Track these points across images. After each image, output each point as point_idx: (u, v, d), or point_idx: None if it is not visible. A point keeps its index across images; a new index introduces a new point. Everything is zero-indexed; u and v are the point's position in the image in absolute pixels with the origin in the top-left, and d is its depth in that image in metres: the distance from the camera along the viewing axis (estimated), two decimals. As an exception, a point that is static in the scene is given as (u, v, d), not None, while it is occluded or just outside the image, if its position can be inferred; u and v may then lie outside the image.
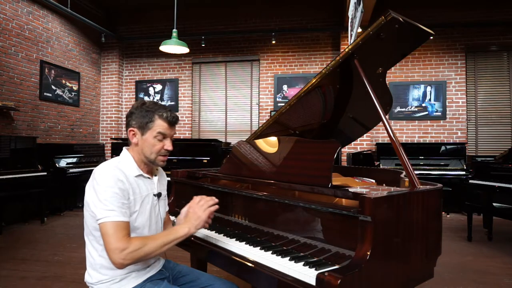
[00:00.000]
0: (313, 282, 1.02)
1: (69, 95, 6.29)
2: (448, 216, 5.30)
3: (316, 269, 1.08)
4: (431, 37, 1.70)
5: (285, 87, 6.65)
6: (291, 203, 1.34)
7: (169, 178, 1.80)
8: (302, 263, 1.14)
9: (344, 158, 6.13)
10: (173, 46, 4.74)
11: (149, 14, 7.17)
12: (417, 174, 1.44)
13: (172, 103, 7.13)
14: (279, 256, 1.22)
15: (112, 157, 5.09)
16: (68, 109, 6.30)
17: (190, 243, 1.53)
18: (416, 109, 6.21)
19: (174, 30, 4.69)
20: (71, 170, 5.28)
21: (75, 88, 6.44)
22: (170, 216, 1.71)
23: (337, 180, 1.81)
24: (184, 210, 1.53)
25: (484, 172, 3.93)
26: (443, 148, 5.54)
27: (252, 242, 1.37)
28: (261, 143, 1.82)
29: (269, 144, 1.77)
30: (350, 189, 1.24)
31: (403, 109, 6.25)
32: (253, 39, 6.81)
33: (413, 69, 6.25)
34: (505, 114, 6.03)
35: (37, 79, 5.59)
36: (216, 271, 2.60)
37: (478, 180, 3.93)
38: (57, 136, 6.00)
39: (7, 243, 3.73)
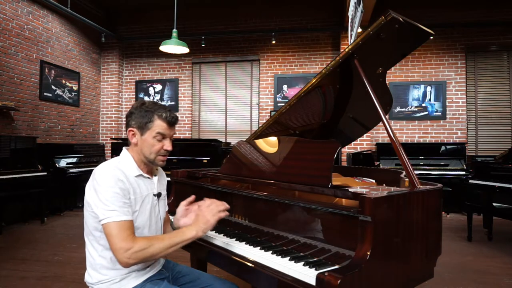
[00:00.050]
0: (313, 282, 1.02)
1: (69, 95, 6.30)
2: (448, 216, 5.30)
3: (316, 269, 1.08)
4: (431, 37, 1.70)
5: (285, 87, 6.65)
6: (291, 203, 1.34)
7: (169, 178, 1.80)
8: (302, 263, 1.14)
9: (344, 158, 6.13)
10: (173, 46, 4.75)
11: (149, 14, 7.17)
12: (417, 174, 1.44)
13: (172, 103, 7.13)
14: (279, 256, 1.22)
15: (112, 157, 5.09)
16: (68, 109, 6.30)
17: (190, 243, 1.53)
18: (416, 109, 6.21)
19: (174, 30, 4.70)
20: (71, 170, 5.28)
21: (75, 88, 6.44)
22: (170, 216, 1.71)
23: (337, 180, 1.81)
24: (180, 209, 1.53)
25: (484, 172, 3.93)
26: (443, 148, 5.54)
27: (252, 242, 1.37)
28: (261, 143, 1.82)
29: (269, 144, 1.77)
30: (350, 189, 1.24)
31: (403, 109, 6.25)
32: (253, 39, 6.81)
33: (413, 69, 6.26)
34: (505, 114, 6.03)
35: (37, 79, 5.59)
36: (216, 271, 2.60)
37: (478, 180, 3.93)
38: (57, 136, 6.00)
39: (7, 243, 3.73)
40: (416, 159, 5.44)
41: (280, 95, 6.67)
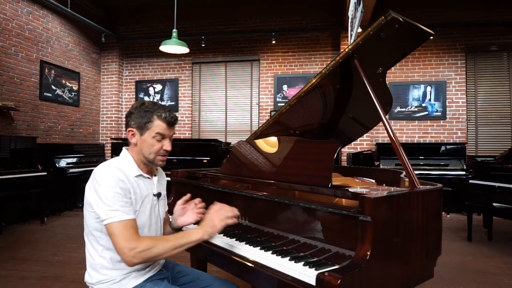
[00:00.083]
0: (313, 282, 1.02)
1: (69, 95, 6.30)
2: (448, 216, 5.30)
3: (316, 269, 1.08)
4: (431, 37, 1.70)
5: (285, 87, 6.65)
6: (291, 203, 1.34)
7: (169, 178, 1.80)
8: (302, 263, 1.14)
9: (344, 158, 6.13)
10: (173, 46, 4.75)
11: (149, 14, 7.17)
12: (417, 174, 1.44)
13: (172, 103, 7.13)
14: (279, 256, 1.22)
15: (112, 157, 5.09)
16: (68, 109, 6.30)
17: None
18: (416, 109, 6.21)
19: (174, 30, 4.70)
20: (71, 170, 5.28)
21: (75, 88, 6.44)
22: (170, 216, 1.71)
23: (337, 180, 1.81)
24: (177, 209, 1.53)
25: (484, 172, 3.93)
26: (443, 148, 5.54)
27: (252, 242, 1.37)
28: (261, 143, 1.82)
29: (269, 144, 1.77)
30: (350, 189, 1.24)
31: (403, 109, 6.25)
32: (253, 39, 6.81)
33: (413, 69, 6.26)
34: (505, 114, 6.03)
35: (37, 79, 5.59)
36: (216, 271, 2.60)
37: (478, 180, 3.93)
38: (57, 136, 6.00)
39: (7, 243, 3.73)
40: (416, 159, 5.44)
41: (280, 95, 6.67)
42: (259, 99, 6.80)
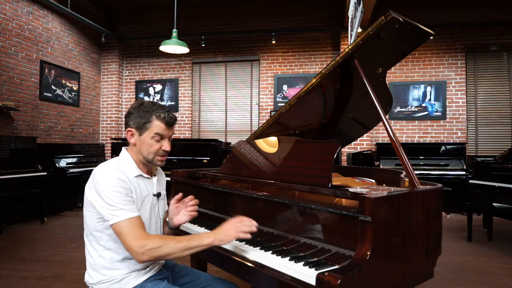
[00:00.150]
0: (313, 282, 1.02)
1: (69, 95, 6.30)
2: (448, 216, 5.30)
3: (316, 269, 1.08)
4: (431, 37, 1.70)
5: (285, 87, 6.65)
6: (291, 203, 1.34)
7: (169, 178, 1.80)
8: (302, 263, 1.14)
9: (344, 158, 6.13)
10: (173, 46, 4.74)
11: (149, 14, 7.17)
12: (417, 174, 1.44)
13: (172, 103, 7.13)
14: (279, 256, 1.22)
15: (112, 157, 5.09)
16: (68, 109, 6.30)
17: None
18: (416, 109, 6.21)
19: (174, 30, 4.69)
20: (71, 170, 5.28)
21: (75, 88, 6.44)
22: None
23: (337, 180, 1.81)
24: (171, 208, 1.52)
25: (484, 172, 3.93)
26: (443, 148, 5.54)
27: (252, 242, 1.37)
28: (261, 143, 1.82)
29: (269, 144, 1.77)
30: (350, 189, 1.24)
31: (403, 109, 6.25)
32: (253, 39, 6.81)
33: (413, 69, 6.25)
34: (505, 114, 6.03)
35: (37, 79, 5.59)
36: (216, 271, 2.59)
37: (478, 180, 3.93)
38: (57, 136, 6.00)
39: (7, 243, 3.73)
40: (416, 159, 5.44)
41: (280, 95, 6.67)
42: (259, 99, 6.80)
